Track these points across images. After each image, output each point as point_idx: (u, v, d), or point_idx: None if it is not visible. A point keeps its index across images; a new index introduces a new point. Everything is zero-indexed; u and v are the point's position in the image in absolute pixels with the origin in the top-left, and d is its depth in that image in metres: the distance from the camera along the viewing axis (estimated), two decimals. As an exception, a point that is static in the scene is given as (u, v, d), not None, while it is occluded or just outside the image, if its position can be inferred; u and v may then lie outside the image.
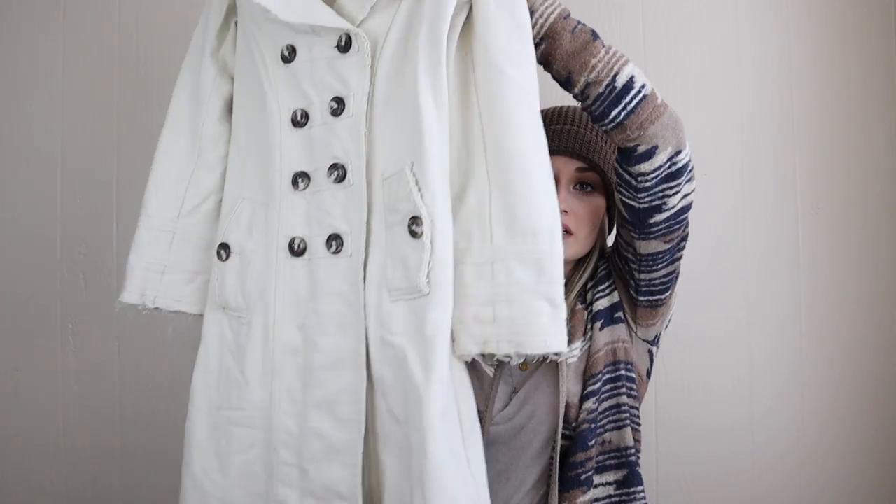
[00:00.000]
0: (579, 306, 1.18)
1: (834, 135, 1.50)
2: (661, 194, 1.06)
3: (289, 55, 1.06)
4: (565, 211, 1.15)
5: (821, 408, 1.49)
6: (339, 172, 1.01)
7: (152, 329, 1.58)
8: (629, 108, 1.01)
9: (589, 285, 1.21)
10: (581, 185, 1.19)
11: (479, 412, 1.13)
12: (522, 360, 0.94)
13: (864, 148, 1.50)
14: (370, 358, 0.98)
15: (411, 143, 0.97)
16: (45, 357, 1.60)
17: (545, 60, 1.04)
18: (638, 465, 1.16)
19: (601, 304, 1.18)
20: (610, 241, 1.26)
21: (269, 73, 1.07)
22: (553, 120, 1.22)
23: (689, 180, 1.07)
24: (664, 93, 1.03)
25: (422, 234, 0.93)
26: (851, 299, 1.49)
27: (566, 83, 1.04)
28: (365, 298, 0.98)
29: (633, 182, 1.05)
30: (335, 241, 1.01)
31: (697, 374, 1.48)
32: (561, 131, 1.20)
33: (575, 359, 1.15)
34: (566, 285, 1.19)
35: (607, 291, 1.19)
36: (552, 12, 1.02)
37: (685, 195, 1.08)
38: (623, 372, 1.16)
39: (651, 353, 1.22)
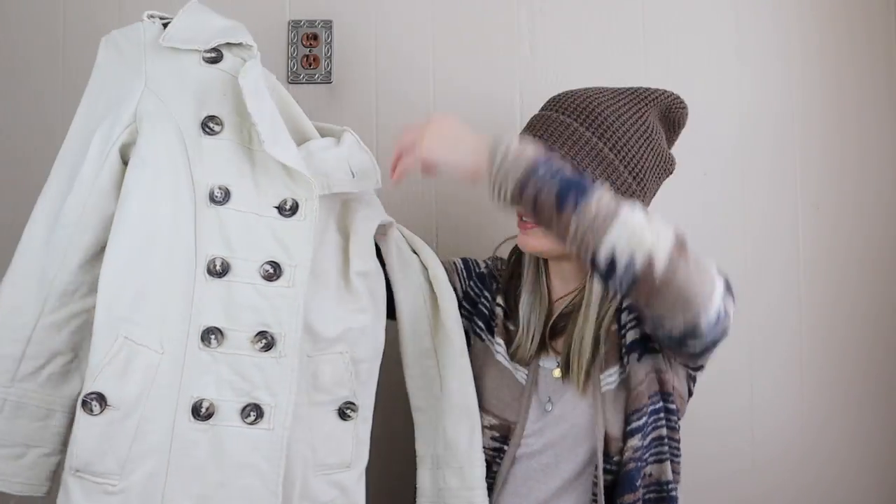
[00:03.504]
0: (614, 327, 1.08)
1: (834, 134, 1.50)
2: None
3: (221, 198, 0.97)
4: None
5: (820, 405, 1.49)
6: (267, 341, 0.96)
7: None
8: (623, 286, 0.89)
9: (624, 304, 1.09)
10: None
11: (510, 423, 1.10)
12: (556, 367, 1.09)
13: (864, 147, 1.50)
14: None
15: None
16: (45, 357, 1.59)
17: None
18: (677, 499, 1.08)
19: (633, 335, 1.07)
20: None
21: (186, 212, 0.97)
22: (544, 105, 1.12)
23: (723, 333, 0.96)
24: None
25: (354, 417, 1.04)
26: (851, 298, 1.49)
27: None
28: (288, 473, 0.97)
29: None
30: (254, 412, 0.95)
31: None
32: (542, 118, 1.09)
33: (612, 387, 1.06)
34: (570, 314, 1.11)
35: (635, 324, 1.08)
36: (505, 189, 0.91)
37: (724, 328, 0.96)
38: (664, 403, 1.06)
39: (690, 375, 1.12)
